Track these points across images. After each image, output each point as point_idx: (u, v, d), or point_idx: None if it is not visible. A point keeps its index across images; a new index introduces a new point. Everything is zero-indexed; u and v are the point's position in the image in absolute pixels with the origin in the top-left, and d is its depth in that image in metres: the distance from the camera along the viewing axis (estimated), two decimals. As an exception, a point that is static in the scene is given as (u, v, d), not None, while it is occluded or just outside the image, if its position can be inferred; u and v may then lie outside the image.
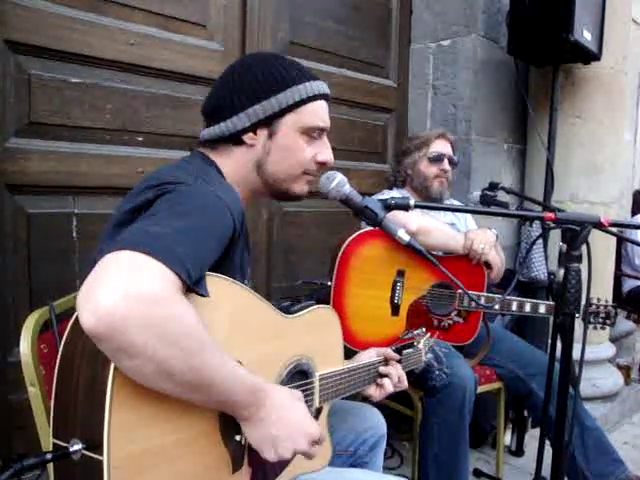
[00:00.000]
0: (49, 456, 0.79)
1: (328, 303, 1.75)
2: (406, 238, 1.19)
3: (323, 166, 1.21)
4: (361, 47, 2.64)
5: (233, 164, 1.15)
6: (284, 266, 2.40)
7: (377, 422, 1.46)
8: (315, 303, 1.21)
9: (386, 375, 1.34)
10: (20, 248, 1.65)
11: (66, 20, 1.68)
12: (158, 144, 1.93)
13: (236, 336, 0.95)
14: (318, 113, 1.17)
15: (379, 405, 2.56)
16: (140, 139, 1.89)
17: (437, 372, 1.84)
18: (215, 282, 0.90)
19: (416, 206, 1.24)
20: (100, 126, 1.79)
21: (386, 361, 1.36)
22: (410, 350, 1.47)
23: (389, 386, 1.33)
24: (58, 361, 0.83)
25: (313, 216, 2.47)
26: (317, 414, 1.20)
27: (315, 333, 1.20)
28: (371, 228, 1.79)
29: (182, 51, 1.96)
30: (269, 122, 1.12)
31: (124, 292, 0.70)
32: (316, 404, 1.17)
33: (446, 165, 2.23)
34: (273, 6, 2.25)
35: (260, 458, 0.98)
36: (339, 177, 1.23)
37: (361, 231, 1.85)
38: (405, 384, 1.36)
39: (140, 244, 0.76)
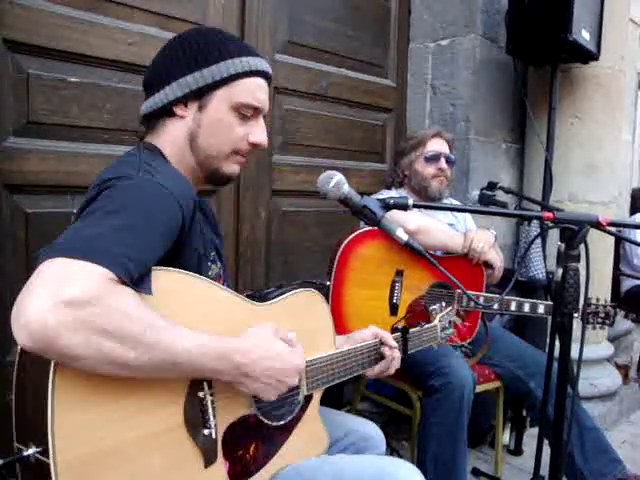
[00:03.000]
0: (1, 461, 0.79)
1: (327, 303, 1.75)
2: (405, 238, 1.20)
3: (255, 147, 1.16)
4: (360, 47, 2.64)
5: (170, 140, 1.11)
6: (283, 266, 2.40)
7: (378, 440, 1.41)
8: (299, 286, 1.17)
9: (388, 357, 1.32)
10: (19, 248, 1.65)
11: (65, 19, 1.68)
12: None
13: (198, 328, 0.92)
14: (253, 90, 1.12)
15: (378, 404, 2.56)
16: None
17: (457, 368, 1.82)
18: (166, 276, 0.89)
19: (415, 206, 1.24)
20: (99, 126, 1.79)
21: (382, 343, 1.33)
22: (419, 328, 1.42)
23: (394, 363, 1.32)
24: (15, 365, 0.83)
25: (312, 216, 2.47)
26: (306, 402, 1.17)
27: (296, 318, 1.15)
28: (370, 228, 1.79)
29: (181, 51, 1.96)
30: (200, 94, 1.09)
31: (51, 301, 0.72)
32: (304, 391, 1.14)
33: (443, 164, 2.22)
34: (272, 6, 2.25)
35: (237, 451, 0.99)
36: (337, 177, 1.22)
37: (360, 231, 1.85)
38: (397, 365, 1.34)
39: (72, 249, 0.78)
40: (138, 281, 0.83)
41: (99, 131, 1.79)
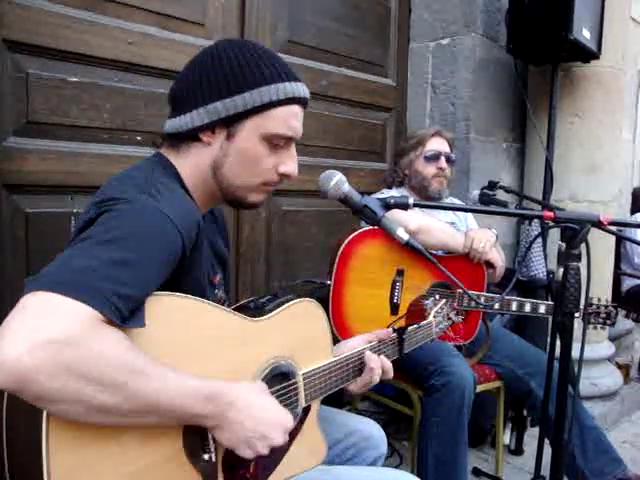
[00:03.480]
0: None
1: (327, 302, 1.75)
2: (405, 237, 1.19)
3: (285, 178, 1.10)
4: (360, 46, 2.64)
5: (191, 164, 1.06)
6: (283, 265, 2.40)
7: (379, 439, 1.39)
8: (293, 298, 1.14)
9: (371, 367, 1.23)
10: (19, 248, 1.64)
11: (64, 19, 1.67)
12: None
13: (193, 353, 0.90)
14: (287, 120, 1.04)
15: (378, 404, 2.56)
16: (139, 138, 1.89)
17: (458, 368, 1.81)
18: (160, 301, 0.86)
19: (415, 205, 1.23)
20: (99, 125, 1.78)
21: (383, 342, 1.29)
22: (414, 327, 1.40)
23: (375, 377, 1.23)
24: (5, 402, 0.80)
25: (312, 215, 2.47)
26: (304, 414, 1.15)
27: (294, 330, 1.12)
28: (370, 227, 1.79)
29: (181, 50, 1.96)
30: (229, 122, 1.02)
31: (29, 340, 0.67)
32: (302, 404, 1.11)
33: (443, 163, 2.22)
34: (272, 5, 2.25)
35: (237, 471, 0.95)
36: (338, 176, 1.22)
37: (360, 230, 1.85)
38: (390, 374, 1.26)
39: (57, 283, 0.73)
40: (129, 317, 0.78)
41: (99, 131, 1.79)
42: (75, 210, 1.74)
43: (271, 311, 1.08)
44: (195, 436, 0.90)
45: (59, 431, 0.74)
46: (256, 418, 0.90)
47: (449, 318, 1.54)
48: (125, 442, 0.81)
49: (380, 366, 1.23)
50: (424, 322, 1.44)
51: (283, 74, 1.03)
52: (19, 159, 1.62)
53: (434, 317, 1.48)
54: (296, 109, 1.06)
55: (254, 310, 1.08)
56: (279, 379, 1.08)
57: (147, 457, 0.84)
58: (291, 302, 1.13)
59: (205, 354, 0.92)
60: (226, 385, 0.89)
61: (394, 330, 1.35)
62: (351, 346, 1.26)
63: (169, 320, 0.88)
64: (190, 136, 1.04)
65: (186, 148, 1.06)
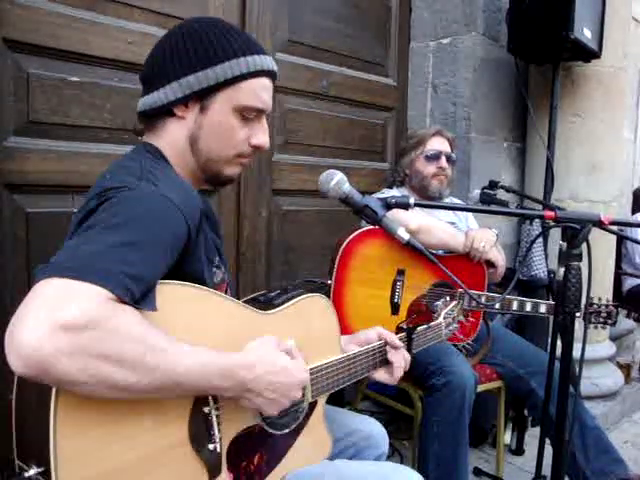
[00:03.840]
0: None
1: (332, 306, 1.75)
2: (406, 237, 1.19)
3: (257, 150, 1.12)
4: (361, 46, 2.64)
5: (170, 141, 1.07)
6: (284, 265, 2.40)
7: (380, 438, 1.40)
8: (303, 292, 1.16)
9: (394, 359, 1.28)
10: (19, 248, 1.64)
11: (65, 19, 1.67)
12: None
13: (201, 342, 0.90)
14: (258, 92, 1.06)
15: (379, 403, 2.56)
16: (139, 138, 1.88)
17: (458, 367, 1.81)
18: (170, 290, 0.87)
19: (416, 205, 1.23)
20: (99, 125, 1.78)
21: (387, 344, 1.30)
22: (424, 326, 1.41)
23: (399, 370, 1.28)
24: (15, 384, 0.81)
25: (312, 215, 2.46)
26: (311, 409, 1.16)
27: (302, 325, 1.14)
28: (371, 227, 1.79)
29: (181, 50, 1.96)
30: (202, 95, 1.03)
31: (47, 325, 0.68)
32: (308, 398, 1.12)
33: (443, 163, 2.22)
34: (272, 5, 2.25)
35: (241, 463, 0.96)
36: (338, 176, 1.22)
37: (361, 230, 1.84)
38: (404, 367, 1.31)
39: (69, 268, 0.74)
40: (140, 299, 0.79)
41: (99, 130, 1.79)
42: (75, 210, 1.73)
43: (280, 305, 1.10)
44: (201, 426, 0.91)
45: (68, 414, 0.75)
46: (275, 382, 0.95)
47: (459, 322, 1.53)
48: (131, 428, 0.82)
49: (403, 359, 1.29)
50: (434, 323, 1.44)
51: (252, 47, 1.06)
52: (20, 159, 1.62)
53: (444, 318, 1.47)
54: (265, 81, 1.09)
55: (263, 303, 1.09)
56: None
57: (153, 444, 0.85)
58: (301, 297, 1.15)
59: (214, 344, 0.94)
60: (240, 356, 0.92)
61: (403, 329, 1.36)
62: (364, 339, 1.31)
63: (180, 308, 0.89)
64: (164, 112, 1.06)
65: (162, 125, 1.07)
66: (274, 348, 0.98)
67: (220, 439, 0.94)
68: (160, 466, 0.86)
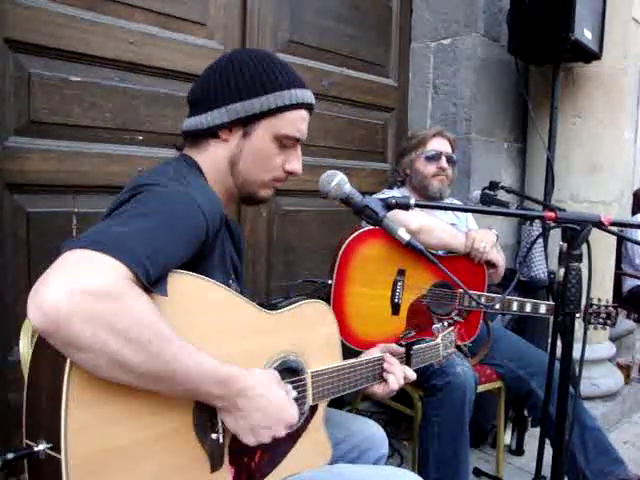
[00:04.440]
0: (10, 455, 0.79)
1: (328, 302, 1.75)
2: (406, 237, 1.19)
3: (290, 175, 1.21)
4: (361, 46, 2.64)
5: (211, 160, 1.15)
6: (284, 265, 2.40)
7: (379, 440, 1.41)
8: (305, 298, 1.18)
9: (390, 372, 1.30)
10: (20, 248, 1.65)
11: (66, 19, 1.68)
12: (158, 143, 1.93)
13: (208, 334, 0.94)
14: (297, 123, 1.16)
15: (379, 404, 2.56)
16: (140, 138, 1.89)
17: (459, 367, 1.82)
18: (182, 279, 0.90)
19: (416, 205, 1.23)
20: (100, 125, 1.79)
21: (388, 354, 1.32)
22: (423, 345, 1.43)
23: (393, 384, 1.29)
24: (29, 362, 0.83)
25: (313, 215, 2.47)
26: (311, 413, 1.17)
27: (304, 328, 1.16)
28: (372, 227, 1.79)
29: (182, 50, 1.96)
30: (246, 122, 1.12)
31: (69, 287, 0.72)
32: (309, 402, 1.14)
33: (444, 163, 2.22)
34: (273, 5, 2.25)
35: (243, 457, 0.97)
36: (339, 176, 1.22)
37: (362, 230, 1.84)
38: (413, 378, 1.32)
39: (96, 242, 0.78)
40: (155, 283, 0.83)
41: (100, 130, 1.79)
42: (76, 210, 1.74)
43: (283, 307, 1.12)
44: (205, 414, 0.93)
45: (80, 387, 0.77)
46: (264, 410, 0.93)
47: (456, 345, 1.57)
48: (139, 408, 0.84)
49: (401, 372, 1.30)
50: (432, 342, 1.48)
51: (295, 81, 1.15)
52: (21, 159, 1.63)
53: (442, 340, 1.50)
54: (304, 113, 1.18)
55: (266, 307, 1.11)
56: (288, 374, 1.10)
57: (158, 427, 0.87)
58: (304, 302, 1.17)
59: (220, 337, 0.96)
60: (241, 372, 0.92)
61: (401, 346, 1.38)
62: (369, 354, 1.32)
63: (190, 298, 0.92)
64: (209, 133, 1.14)
65: (205, 144, 1.15)
66: (277, 382, 1.00)
67: (223, 430, 0.95)
68: (164, 450, 0.88)
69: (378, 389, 1.31)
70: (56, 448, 0.76)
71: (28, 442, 0.81)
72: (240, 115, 1.11)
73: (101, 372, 0.78)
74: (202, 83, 1.16)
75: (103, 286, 0.75)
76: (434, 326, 1.51)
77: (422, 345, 1.43)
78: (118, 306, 0.76)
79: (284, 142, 1.15)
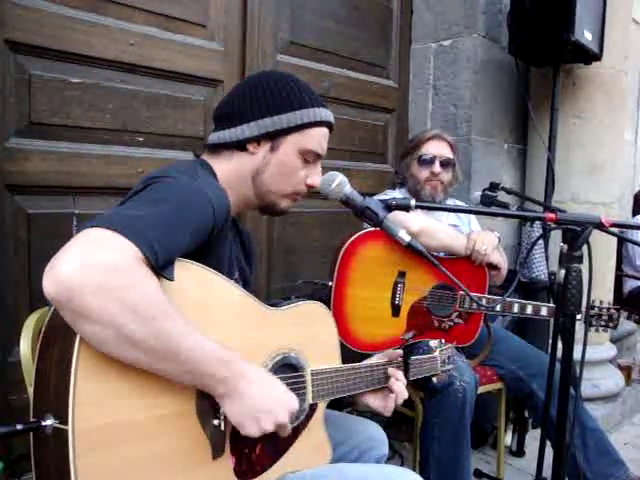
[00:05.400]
0: (19, 427, 0.80)
1: (329, 303, 1.75)
2: (407, 239, 1.19)
3: (310, 189, 1.26)
4: (362, 47, 2.64)
5: (231, 168, 1.19)
6: (284, 266, 2.40)
7: (380, 440, 1.42)
8: (306, 299, 1.21)
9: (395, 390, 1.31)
10: (20, 248, 1.65)
11: (66, 20, 1.68)
12: (158, 144, 1.93)
13: (210, 322, 0.96)
14: (319, 139, 1.22)
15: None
16: (140, 139, 1.89)
17: (459, 384, 1.81)
18: (189, 267, 0.93)
19: (417, 207, 1.23)
20: (100, 126, 1.79)
21: (389, 362, 1.35)
22: (422, 357, 1.45)
23: (399, 398, 1.32)
24: (40, 339, 0.86)
25: (314, 216, 2.47)
26: (311, 411, 1.18)
27: (304, 327, 1.19)
28: (372, 229, 1.78)
29: (182, 51, 1.96)
30: (274, 136, 1.18)
31: (83, 261, 0.77)
32: (309, 399, 1.16)
33: (436, 168, 2.15)
34: (273, 6, 2.25)
35: (244, 448, 0.98)
36: (340, 178, 1.22)
37: (362, 232, 1.84)
38: (405, 396, 1.34)
39: (110, 222, 0.83)
40: (162, 267, 0.86)
41: (100, 132, 1.79)
42: (76, 211, 1.74)
43: (284, 306, 1.15)
44: (207, 399, 0.94)
45: (89, 361, 0.80)
46: (264, 393, 0.95)
47: (454, 361, 1.59)
48: (145, 388, 0.86)
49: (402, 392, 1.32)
50: (430, 355, 1.49)
51: (319, 101, 1.22)
52: (21, 160, 1.63)
53: (439, 354, 1.52)
54: (326, 131, 1.25)
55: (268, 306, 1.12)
56: (288, 370, 1.12)
57: (161, 408, 0.89)
58: (304, 302, 1.20)
59: (222, 327, 0.98)
60: (244, 360, 0.95)
61: (402, 353, 1.39)
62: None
63: (194, 286, 0.95)
64: (235, 146, 1.19)
65: (228, 155, 1.20)
66: (271, 374, 1.02)
67: (224, 417, 0.95)
68: (166, 432, 0.89)
69: (374, 402, 1.33)
70: (63, 421, 0.78)
71: (34, 420, 0.82)
72: (269, 129, 1.16)
73: (108, 347, 0.80)
74: (232, 100, 1.22)
75: (115, 262, 0.78)
76: (431, 342, 1.53)
77: (419, 357, 1.45)
78: (128, 281, 0.79)
79: (307, 157, 1.21)
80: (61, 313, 0.78)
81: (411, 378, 1.40)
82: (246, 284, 1.27)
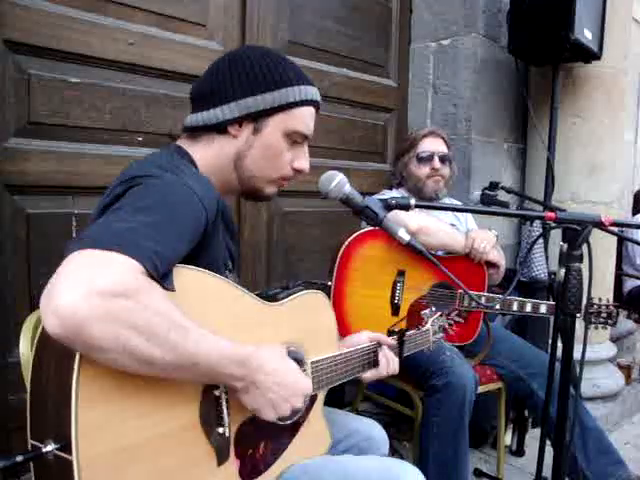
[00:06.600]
0: (20, 458, 0.78)
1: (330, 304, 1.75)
2: (406, 238, 1.19)
3: (298, 173, 1.19)
4: (361, 47, 2.64)
5: (212, 153, 1.12)
6: (284, 266, 2.40)
7: (380, 440, 1.42)
8: (304, 289, 1.20)
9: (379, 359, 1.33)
10: (20, 248, 1.64)
11: (66, 20, 1.68)
12: (158, 144, 1.92)
13: (212, 327, 0.93)
14: (305, 119, 1.15)
15: (379, 404, 2.56)
16: (140, 139, 1.89)
17: (447, 353, 1.82)
18: (186, 274, 0.90)
19: (417, 206, 1.23)
20: (100, 126, 1.79)
21: (379, 345, 1.35)
22: (414, 331, 1.46)
23: (382, 370, 1.32)
24: (32, 359, 0.82)
25: (313, 216, 2.47)
26: (311, 402, 1.19)
27: (304, 319, 1.18)
28: (371, 228, 1.79)
29: (182, 51, 1.96)
30: (257, 117, 1.10)
31: (84, 290, 0.70)
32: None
33: (436, 163, 2.20)
34: (273, 6, 2.25)
35: (248, 449, 0.98)
36: (339, 177, 1.22)
37: (361, 231, 1.85)
38: (396, 368, 1.34)
39: (102, 241, 0.76)
40: (163, 278, 0.82)
41: (100, 132, 1.79)
42: (76, 211, 1.74)
43: (283, 299, 1.13)
44: (211, 409, 0.94)
45: (88, 386, 0.76)
46: (281, 383, 0.96)
47: (444, 329, 1.59)
48: (146, 406, 0.84)
49: (391, 360, 1.33)
50: (423, 328, 1.50)
51: (304, 78, 1.14)
52: (20, 160, 1.63)
53: (431, 325, 1.53)
54: (313, 110, 1.17)
55: (265, 298, 1.11)
56: None
57: (166, 424, 0.87)
58: (302, 292, 1.18)
59: (223, 330, 0.96)
60: (254, 349, 0.93)
61: (394, 332, 1.39)
62: (356, 342, 1.33)
63: (192, 292, 0.92)
64: (215, 128, 1.11)
65: (207, 139, 1.13)
66: (284, 354, 1.02)
67: (229, 423, 0.96)
68: (172, 447, 0.88)
69: (367, 375, 1.33)
70: (66, 449, 0.75)
71: (34, 443, 0.80)
72: (251, 110, 1.09)
73: (127, 369, 0.78)
74: (209, 79, 1.14)
75: (118, 285, 0.73)
76: (423, 312, 1.53)
77: (413, 331, 1.46)
78: (134, 303, 0.74)
79: (294, 138, 1.14)
80: (72, 347, 0.74)
81: (405, 354, 1.41)
82: (234, 265, 1.23)
